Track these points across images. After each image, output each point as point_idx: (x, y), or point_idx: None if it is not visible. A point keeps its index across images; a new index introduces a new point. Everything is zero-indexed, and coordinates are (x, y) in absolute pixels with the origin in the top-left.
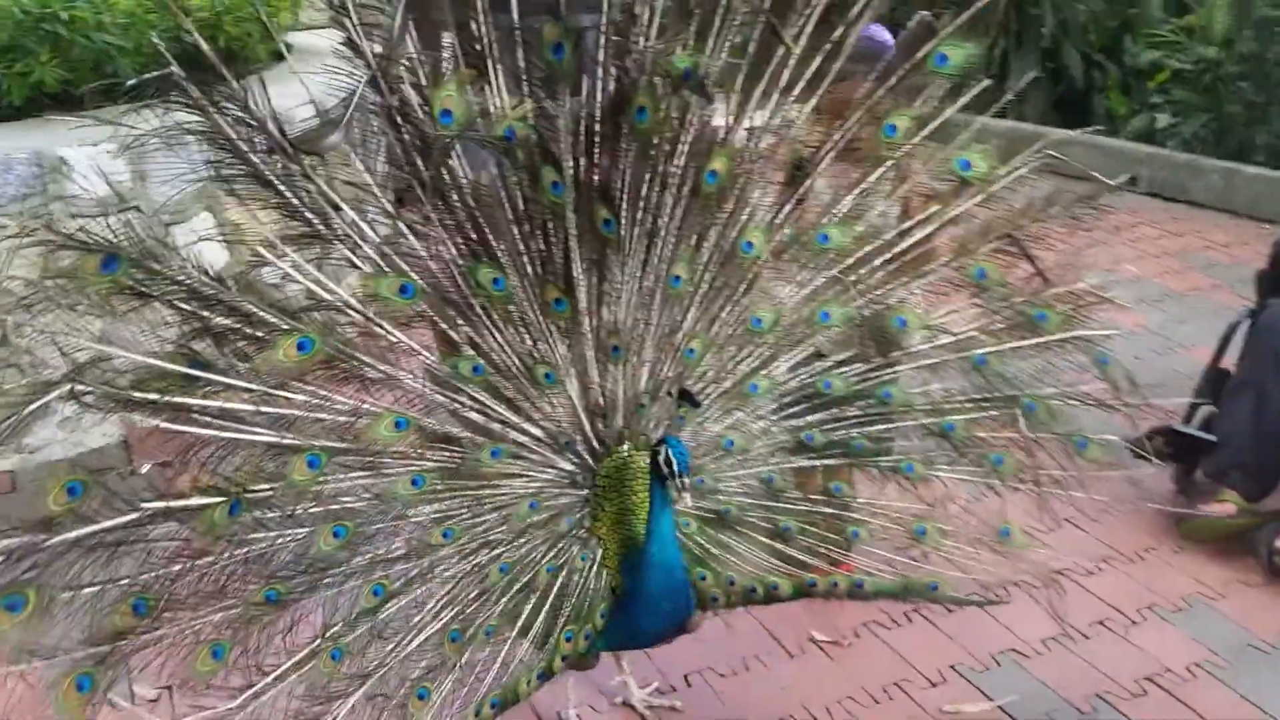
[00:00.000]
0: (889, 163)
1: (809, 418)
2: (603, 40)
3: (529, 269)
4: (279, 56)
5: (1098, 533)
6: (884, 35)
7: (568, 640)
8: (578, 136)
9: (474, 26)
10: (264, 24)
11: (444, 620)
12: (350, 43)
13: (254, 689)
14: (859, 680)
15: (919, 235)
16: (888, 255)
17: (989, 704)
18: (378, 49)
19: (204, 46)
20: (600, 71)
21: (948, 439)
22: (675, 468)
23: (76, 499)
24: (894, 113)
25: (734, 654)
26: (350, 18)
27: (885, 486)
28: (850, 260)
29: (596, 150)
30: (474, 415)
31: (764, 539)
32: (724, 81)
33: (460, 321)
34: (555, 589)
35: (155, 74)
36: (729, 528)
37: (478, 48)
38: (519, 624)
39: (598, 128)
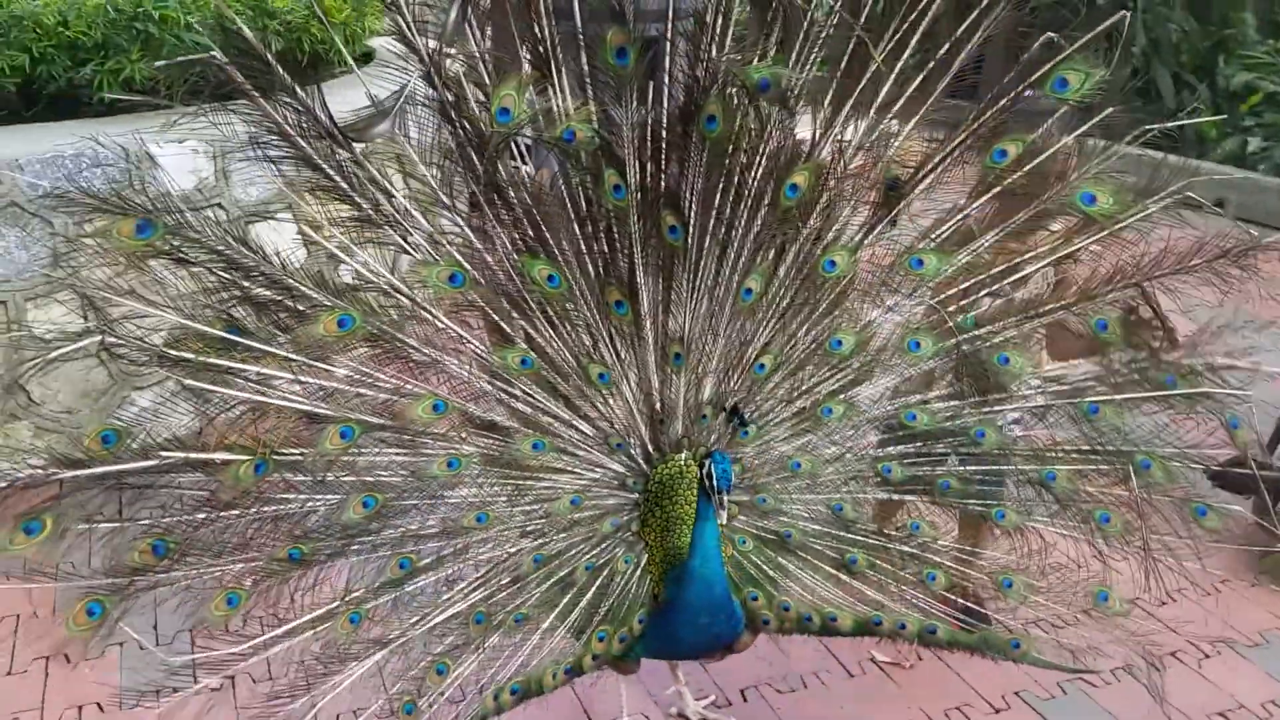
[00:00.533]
0: (994, 191)
1: (890, 449)
2: (667, 48)
3: (590, 269)
4: (367, 59)
5: (1171, 561)
6: None
7: (600, 640)
8: (644, 142)
9: (537, 29)
10: (348, 28)
11: (472, 601)
12: (403, 38)
13: (263, 638)
14: (919, 703)
15: (1029, 270)
16: (993, 289)
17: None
18: (432, 44)
19: (247, 33)
20: (666, 79)
21: (1049, 489)
22: (715, 483)
23: (110, 446)
24: (1005, 138)
25: (792, 670)
26: (403, 14)
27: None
28: (950, 290)
29: (664, 157)
30: (522, 406)
31: (829, 568)
32: (810, 94)
33: (514, 315)
34: (594, 588)
35: (194, 57)
36: (790, 551)
37: (541, 50)
38: (551, 617)
39: (665, 134)
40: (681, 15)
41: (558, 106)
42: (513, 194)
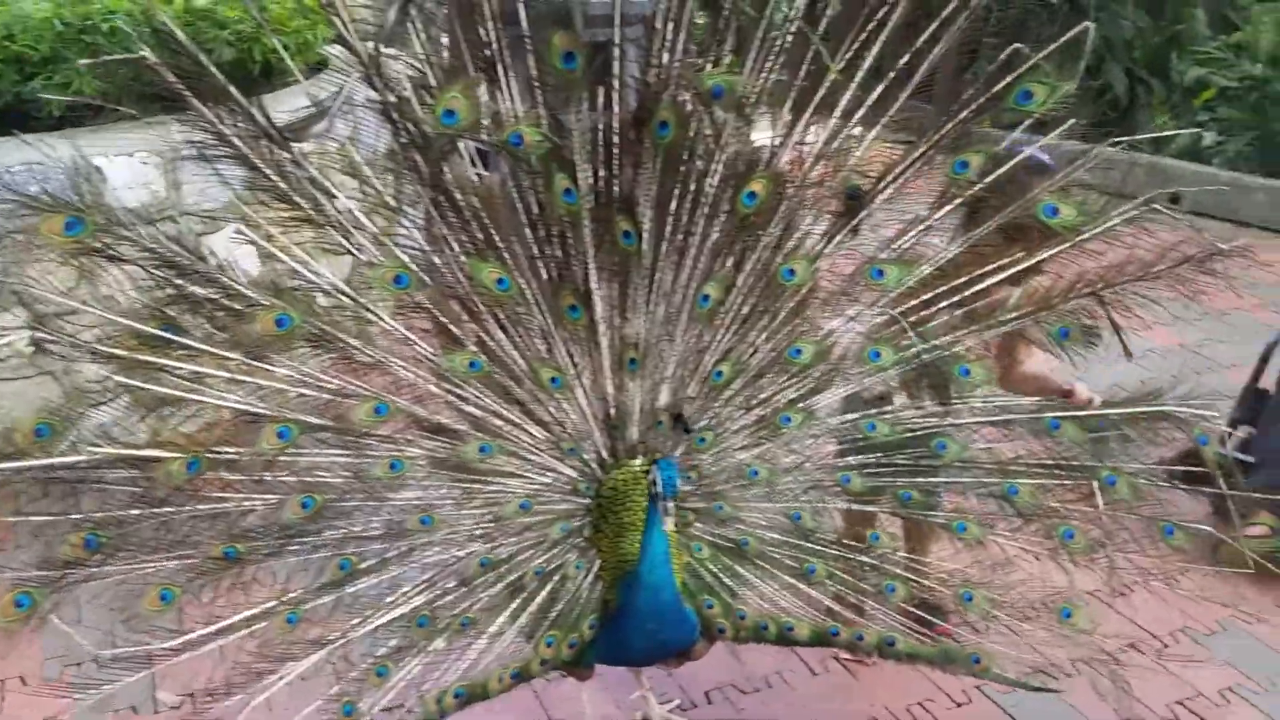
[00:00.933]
0: (957, 200)
1: (850, 459)
2: (616, 53)
3: (543, 273)
4: (323, 66)
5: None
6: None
7: (549, 645)
8: (595, 147)
9: (482, 33)
10: (300, 36)
11: (415, 604)
12: (341, 39)
13: (196, 634)
14: (882, 700)
15: (990, 282)
16: (955, 299)
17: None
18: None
19: (179, 34)
20: (616, 84)
21: (1010, 503)
22: (661, 490)
23: (43, 439)
24: (967, 149)
25: (756, 671)
26: (340, 16)
27: (933, 544)
28: (911, 300)
29: (616, 162)
30: (471, 409)
31: (787, 577)
32: (768, 101)
33: (464, 317)
34: (543, 593)
35: (126, 57)
36: (747, 559)
37: (487, 54)
38: (499, 621)
39: (617, 140)
40: (631, 21)
41: (505, 110)
42: (460, 197)
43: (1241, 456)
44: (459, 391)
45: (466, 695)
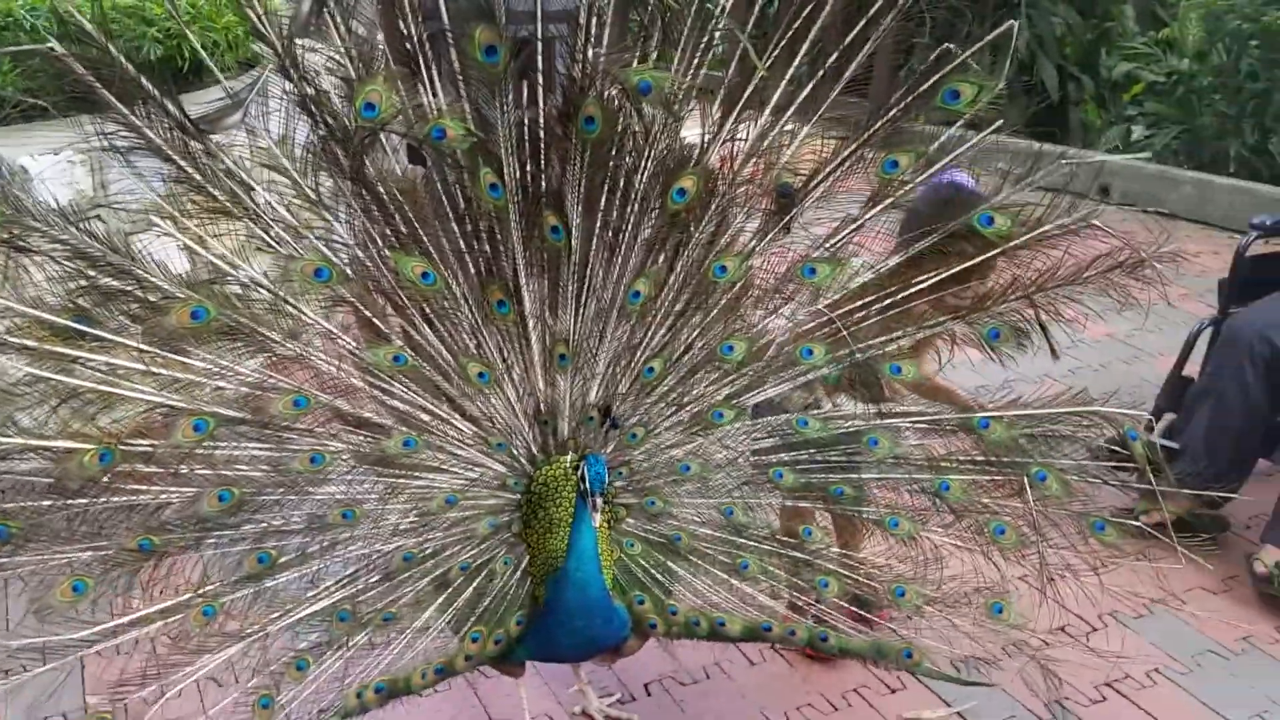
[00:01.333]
0: (888, 201)
1: (782, 455)
2: (540, 48)
3: (471, 268)
4: (254, 64)
5: (1056, 538)
6: (963, 179)
7: (474, 641)
8: (521, 141)
9: (403, 26)
10: (230, 33)
11: (337, 598)
12: (256, 30)
13: (110, 625)
14: (818, 687)
15: (924, 285)
16: (887, 301)
17: (948, 710)
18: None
19: (85, 24)
20: (541, 79)
21: (942, 499)
22: (588, 485)
23: None
24: (897, 149)
25: (695, 663)
26: (254, 7)
27: (867, 539)
28: (842, 299)
29: (543, 157)
30: (396, 403)
31: (720, 573)
32: (698, 98)
33: (391, 311)
34: (470, 588)
35: (30, 47)
36: (679, 555)
37: (409, 47)
38: (424, 616)
39: (543, 134)
40: (554, 18)
41: (429, 104)
42: (383, 190)
43: (1167, 443)
44: (384, 385)
45: (388, 690)
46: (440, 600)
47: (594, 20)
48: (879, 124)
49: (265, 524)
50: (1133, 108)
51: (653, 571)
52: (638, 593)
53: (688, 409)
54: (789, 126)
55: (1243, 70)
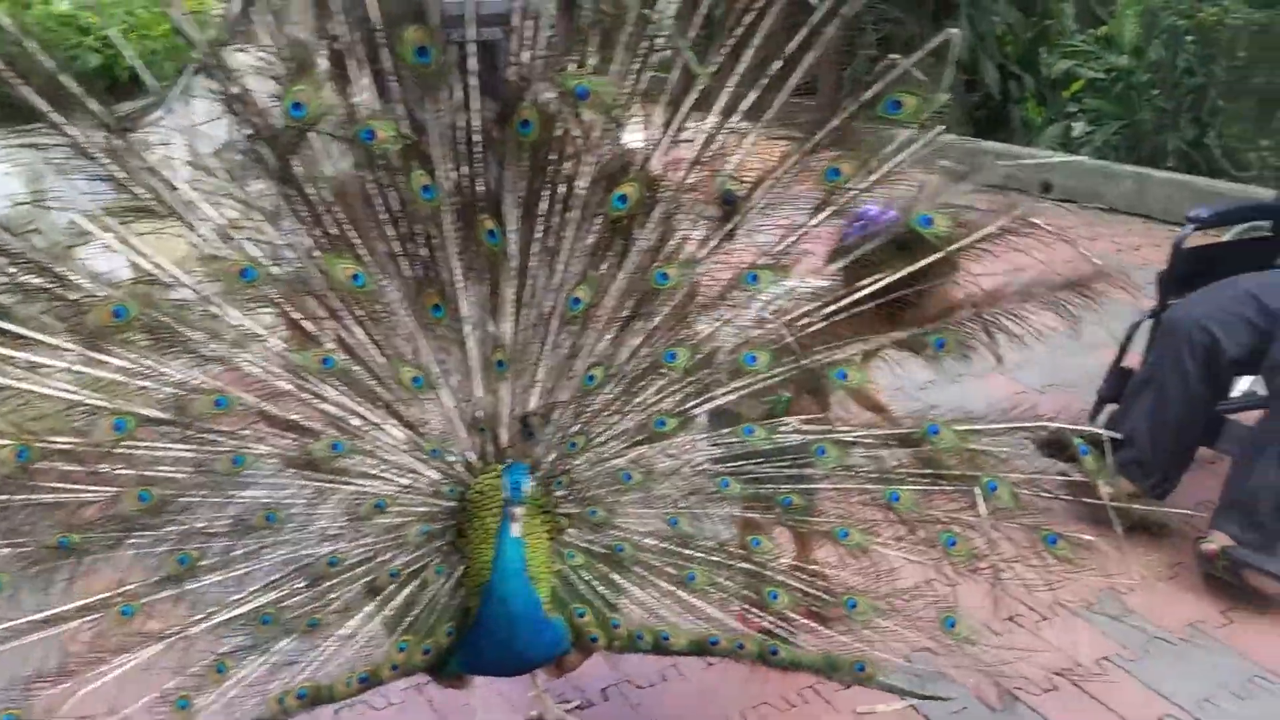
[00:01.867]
0: (831, 210)
1: (728, 464)
2: (472, 50)
3: (407, 271)
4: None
5: (1004, 528)
6: (875, 211)
7: (400, 650)
8: (455, 144)
9: (332, 27)
10: (170, 41)
11: (259, 602)
12: (180, 31)
13: (22, 620)
14: (775, 686)
15: (869, 291)
16: (834, 308)
17: (902, 704)
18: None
19: (4, 21)
20: (475, 81)
21: (893, 511)
22: (507, 494)
23: None
24: (839, 158)
25: (652, 666)
26: (176, 7)
27: (817, 550)
28: (788, 306)
29: (478, 160)
30: (327, 407)
31: (666, 585)
32: (639, 102)
33: (322, 313)
34: (400, 597)
35: None
36: (623, 567)
37: (338, 48)
38: (351, 623)
39: (478, 137)
40: (486, 21)
41: (359, 104)
42: (312, 190)
43: (1110, 434)
44: (314, 388)
45: (310, 696)
46: (369, 608)
47: (528, 23)
48: (820, 134)
49: (188, 525)
50: (1073, 104)
51: (595, 584)
52: (579, 605)
53: (631, 417)
54: (734, 134)
55: (1179, 66)
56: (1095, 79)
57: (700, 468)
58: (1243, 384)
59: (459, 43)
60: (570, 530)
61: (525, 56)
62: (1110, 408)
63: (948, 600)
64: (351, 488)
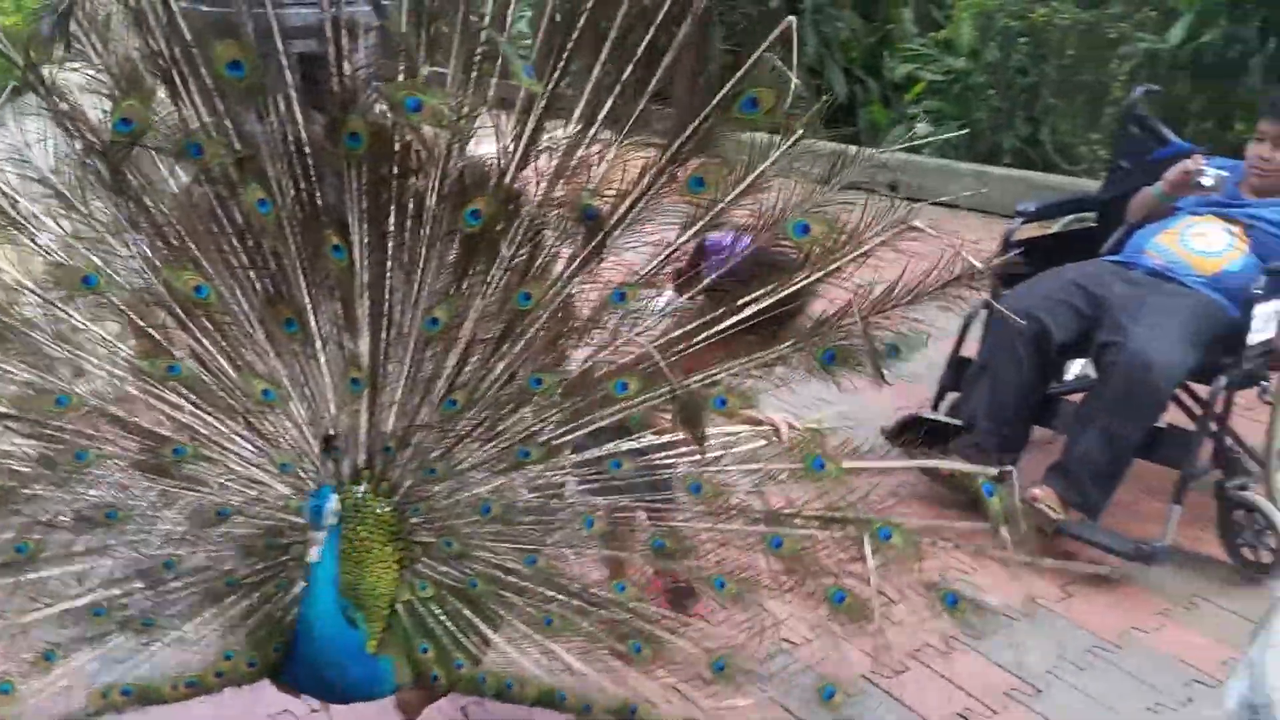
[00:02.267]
0: (702, 224)
1: (595, 500)
2: (284, 62)
3: (258, 284)
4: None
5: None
6: (728, 240)
7: (226, 659)
8: (289, 158)
9: (151, 44)
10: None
11: (94, 597)
12: None
13: None
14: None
15: (749, 312)
16: (711, 331)
17: (763, 694)
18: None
19: None
20: (294, 94)
21: (775, 557)
22: (306, 518)
23: None
24: (701, 169)
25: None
26: None
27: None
28: (657, 328)
29: (314, 173)
30: (178, 415)
31: (523, 626)
32: (484, 113)
33: (169, 321)
34: (239, 607)
35: None
36: (475, 604)
37: (162, 63)
38: (187, 626)
39: (311, 150)
40: (298, 34)
41: (188, 119)
42: (150, 202)
43: (949, 420)
44: (160, 394)
45: (136, 694)
46: (207, 614)
47: (342, 34)
48: (680, 140)
49: (31, 518)
50: (915, 106)
51: (444, 619)
52: (423, 641)
53: (494, 445)
54: (595, 144)
55: (1013, 66)
56: (935, 81)
57: (566, 503)
58: (1075, 367)
59: (274, 56)
60: (424, 560)
61: (345, 68)
62: (952, 395)
63: (831, 668)
64: (196, 494)
